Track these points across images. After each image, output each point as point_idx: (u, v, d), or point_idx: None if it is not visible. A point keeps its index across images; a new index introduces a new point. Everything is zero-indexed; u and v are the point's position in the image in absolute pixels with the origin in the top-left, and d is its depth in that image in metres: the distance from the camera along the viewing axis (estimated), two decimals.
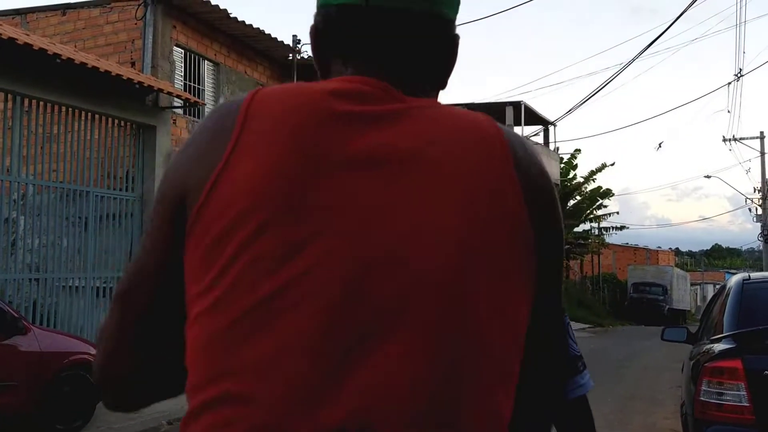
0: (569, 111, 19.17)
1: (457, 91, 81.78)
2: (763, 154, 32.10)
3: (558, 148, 29.27)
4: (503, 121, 24.91)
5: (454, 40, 0.97)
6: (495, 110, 23.89)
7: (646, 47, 9.82)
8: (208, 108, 12.93)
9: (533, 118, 27.02)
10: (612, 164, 32.40)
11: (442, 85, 0.99)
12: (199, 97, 12.27)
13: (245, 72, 13.86)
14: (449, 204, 0.81)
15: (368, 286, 0.77)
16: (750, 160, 77.37)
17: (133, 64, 11.52)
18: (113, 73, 9.46)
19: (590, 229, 36.09)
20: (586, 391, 1.68)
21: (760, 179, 32.68)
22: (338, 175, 0.80)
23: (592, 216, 34.86)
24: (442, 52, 0.96)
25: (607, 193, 33.50)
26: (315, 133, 0.82)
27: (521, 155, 0.87)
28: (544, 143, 28.56)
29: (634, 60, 12.43)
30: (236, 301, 0.78)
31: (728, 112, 53.46)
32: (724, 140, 32.14)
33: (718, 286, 9.47)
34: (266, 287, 0.77)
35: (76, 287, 9.77)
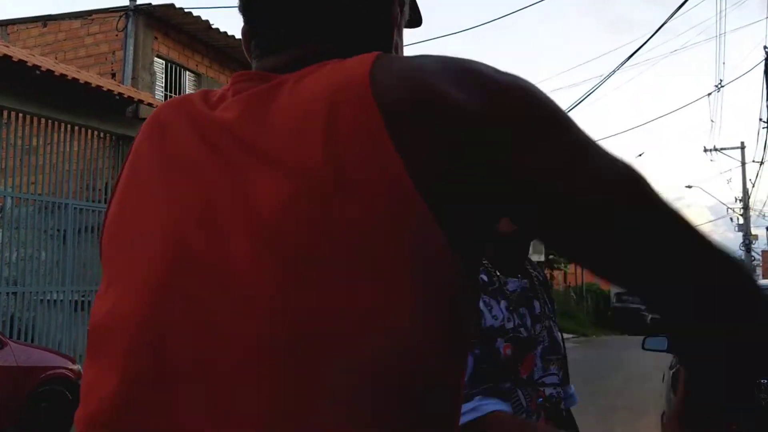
0: None
1: None
2: (743, 164, 32.44)
3: None
4: None
5: None
6: None
7: (626, 59, 9.89)
8: None
9: None
10: None
11: (375, 36, 0.80)
12: None
13: (227, 83, 13.78)
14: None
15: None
16: (731, 170, 78.17)
17: (113, 76, 11.45)
18: (93, 85, 9.39)
19: None
20: (574, 403, 1.60)
21: (741, 189, 33.03)
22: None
23: None
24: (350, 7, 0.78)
25: None
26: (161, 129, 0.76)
27: (398, 97, 0.65)
28: None
29: (614, 72, 12.54)
30: None
31: (711, 121, 54.03)
32: (705, 150, 32.50)
33: None
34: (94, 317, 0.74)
35: (54, 301, 9.65)
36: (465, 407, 1.39)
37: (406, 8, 0.87)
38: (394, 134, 0.63)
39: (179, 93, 12.67)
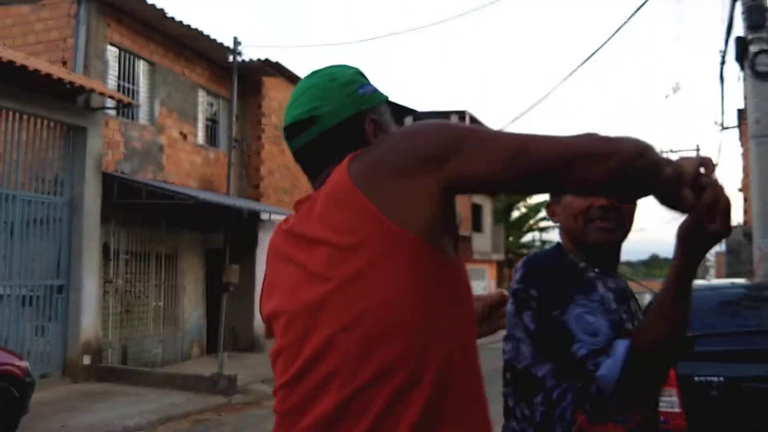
0: (513, 121, 19.44)
1: (401, 100, 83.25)
2: None
3: None
4: None
5: (340, 125, 1.40)
6: (440, 119, 24.01)
7: (585, 60, 10.06)
8: (143, 110, 12.59)
9: None
10: None
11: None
12: (133, 98, 11.91)
13: (183, 73, 13.54)
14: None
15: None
16: None
17: (64, 63, 11.10)
18: (43, 72, 9.08)
19: (533, 240, 36.82)
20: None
21: None
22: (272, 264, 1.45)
23: (535, 227, 35.69)
24: (340, 137, 1.39)
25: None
26: (273, 241, 1.45)
27: (359, 169, 1.25)
28: None
29: (573, 73, 12.66)
30: None
31: (665, 126, 55.19)
32: (662, 153, 33.11)
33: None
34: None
35: (0, 296, 9.35)
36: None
37: (382, 116, 1.45)
38: (369, 190, 1.22)
39: (132, 82, 12.37)
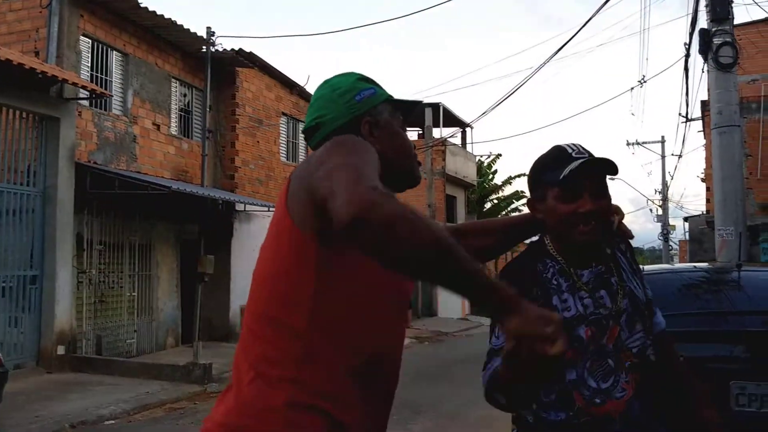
0: (484, 113, 19.60)
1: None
2: (663, 157, 33.67)
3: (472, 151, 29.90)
4: (422, 122, 25.48)
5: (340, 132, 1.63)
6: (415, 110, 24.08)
7: (554, 53, 10.29)
8: (116, 100, 12.55)
9: (452, 120, 27.51)
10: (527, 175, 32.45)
11: None
12: (106, 89, 11.87)
13: (156, 64, 13.50)
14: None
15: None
16: (651, 163, 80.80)
17: (37, 54, 11.04)
18: (15, 62, 9.04)
19: None
20: (663, 326, 2.01)
21: (660, 181, 34.23)
22: None
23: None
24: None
25: (523, 196, 34.38)
26: None
27: (292, 178, 1.54)
28: (462, 145, 29.09)
29: (543, 65, 12.82)
30: None
31: (632, 114, 55.66)
32: (628, 144, 33.53)
33: None
34: None
35: None
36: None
37: (379, 115, 1.71)
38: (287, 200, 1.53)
39: (106, 73, 12.33)
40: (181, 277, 13.88)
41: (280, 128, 17.47)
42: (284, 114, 17.65)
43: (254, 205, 14.63)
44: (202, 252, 12.48)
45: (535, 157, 1.92)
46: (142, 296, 13.02)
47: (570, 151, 1.85)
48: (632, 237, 1.99)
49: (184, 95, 14.69)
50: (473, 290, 1.26)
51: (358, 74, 1.79)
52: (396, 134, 1.75)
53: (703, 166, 20.48)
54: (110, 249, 12.21)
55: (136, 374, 10.53)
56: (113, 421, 8.01)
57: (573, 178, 1.78)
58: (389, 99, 1.76)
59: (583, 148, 1.87)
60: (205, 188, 13.97)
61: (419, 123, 26.04)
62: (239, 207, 14.93)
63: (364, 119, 1.69)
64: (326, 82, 1.77)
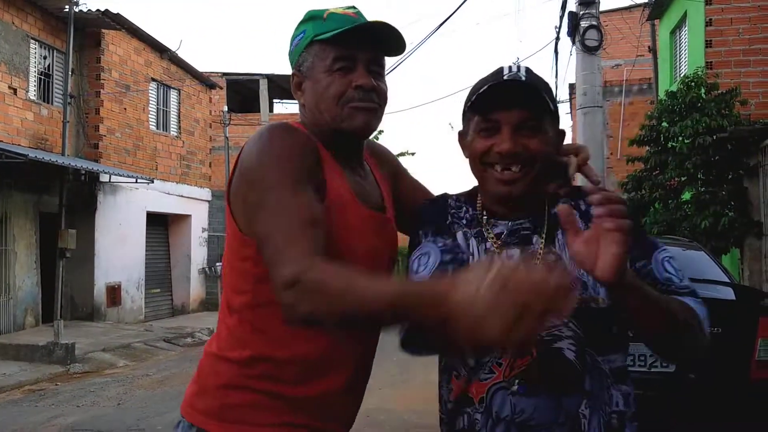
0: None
1: (210, 61, 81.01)
2: None
3: None
4: (256, 97, 24.90)
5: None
6: (246, 84, 23.93)
7: (434, 30, 10.37)
8: None
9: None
10: (413, 154, 29.52)
11: None
12: None
13: (13, 23, 12.52)
14: None
15: None
16: None
17: None
18: None
19: None
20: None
21: None
22: None
23: None
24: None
25: None
26: None
27: (236, 174, 1.44)
28: None
29: (421, 43, 12.96)
30: None
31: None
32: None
33: None
34: None
35: None
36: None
37: (302, 66, 1.49)
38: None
39: None
40: (41, 252, 13.06)
41: (150, 95, 16.67)
42: (154, 80, 16.86)
43: (120, 176, 13.97)
44: (63, 226, 11.77)
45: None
46: None
47: (505, 72, 1.43)
48: (598, 188, 1.35)
49: (44, 57, 13.72)
50: (404, 312, 1.13)
51: (307, 13, 1.50)
52: (316, 82, 1.45)
53: None
54: None
55: None
56: None
57: (482, 106, 1.41)
58: (315, 38, 1.45)
59: (528, 72, 1.44)
60: (67, 157, 13.15)
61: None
62: (104, 178, 14.20)
63: (292, 74, 1.49)
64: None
